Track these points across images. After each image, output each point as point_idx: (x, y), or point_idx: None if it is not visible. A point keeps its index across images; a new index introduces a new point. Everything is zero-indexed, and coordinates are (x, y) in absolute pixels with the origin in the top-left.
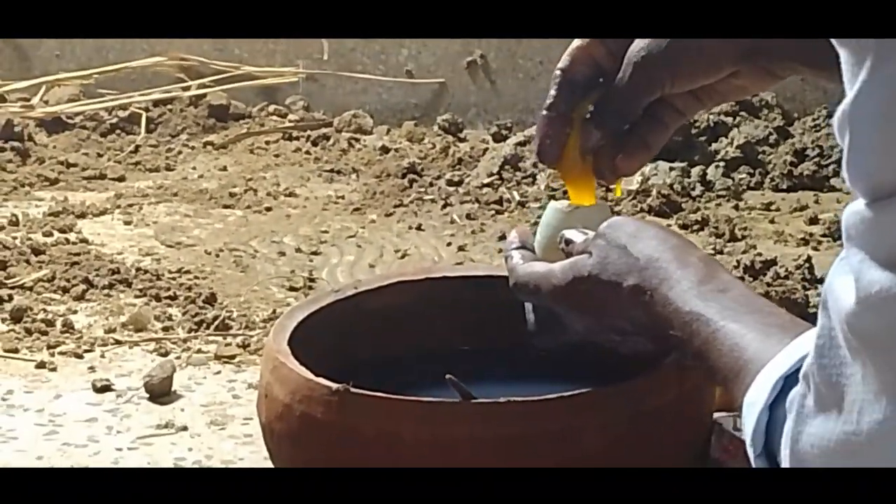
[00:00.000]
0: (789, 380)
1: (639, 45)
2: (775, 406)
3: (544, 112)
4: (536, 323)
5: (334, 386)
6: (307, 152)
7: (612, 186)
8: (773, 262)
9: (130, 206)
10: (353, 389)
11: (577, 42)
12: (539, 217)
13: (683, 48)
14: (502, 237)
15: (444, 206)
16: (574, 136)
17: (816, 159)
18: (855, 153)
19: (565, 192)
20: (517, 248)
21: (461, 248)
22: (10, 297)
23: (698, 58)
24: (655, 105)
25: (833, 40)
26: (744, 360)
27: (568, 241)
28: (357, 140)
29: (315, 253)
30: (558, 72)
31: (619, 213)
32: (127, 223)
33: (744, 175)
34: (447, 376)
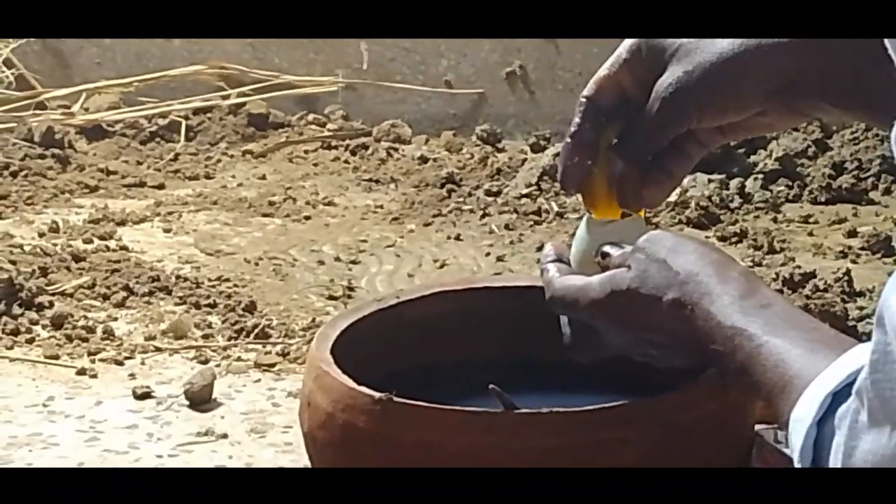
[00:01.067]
0: (838, 396)
1: (668, 79)
2: (823, 422)
3: (568, 139)
4: (573, 336)
5: (377, 395)
6: (346, 161)
7: (634, 216)
8: (812, 274)
9: (170, 213)
10: (395, 399)
11: (603, 70)
12: (576, 230)
13: (713, 86)
14: (541, 247)
15: (483, 217)
16: (599, 164)
17: (855, 172)
18: None
19: None
20: (553, 262)
21: (500, 259)
22: (51, 304)
23: (727, 97)
24: (679, 138)
25: (890, 47)
26: (789, 376)
27: (604, 255)
28: (395, 150)
29: (354, 262)
30: (583, 99)
31: (656, 227)
32: (167, 231)
33: (782, 187)
34: (490, 386)
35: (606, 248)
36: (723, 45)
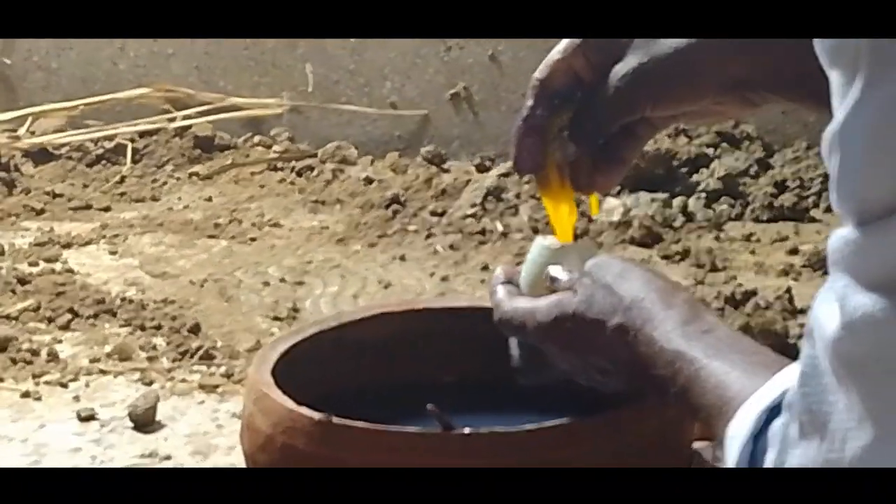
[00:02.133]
0: (772, 412)
1: (624, 68)
2: (758, 438)
3: (520, 122)
4: (521, 359)
5: (317, 416)
6: (292, 183)
7: (585, 198)
8: (754, 292)
9: (116, 236)
10: (335, 420)
11: (556, 52)
12: (527, 253)
13: (667, 76)
14: (485, 268)
15: (428, 237)
16: (551, 147)
17: (797, 191)
18: (843, 175)
19: (548, 226)
20: (503, 284)
21: (444, 279)
22: None
23: (681, 87)
24: (631, 122)
25: (823, 61)
26: (728, 397)
27: (553, 279)
28: (341, 171)
29: (299, 283)
30: (536, 81)
31: (601, 245)
32: (112, 253)
33: (724, 206)
34: (428, 407)
35: (555, 273)
36: (680, 41)
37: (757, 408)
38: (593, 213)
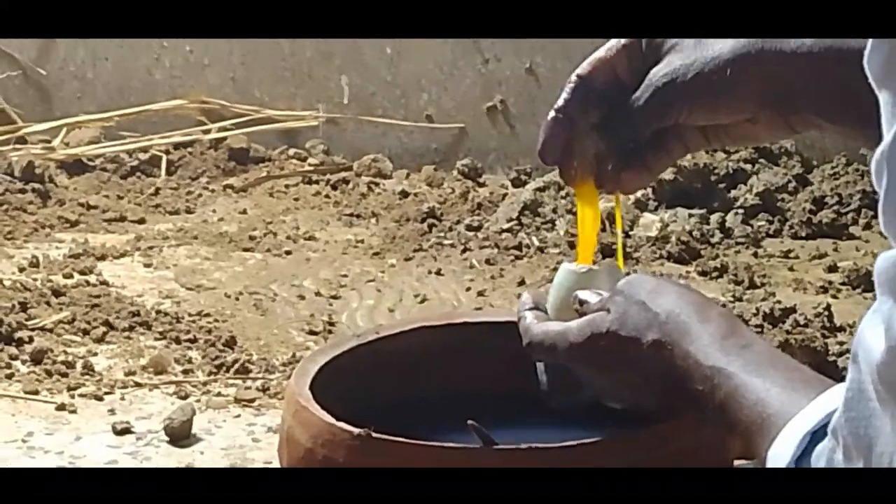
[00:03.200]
0: (816, 435)
1: (664, 69)
2: (800, 461)
3: (552, 113)
4: (549, 383)
5: (356, 430)
6: (327, 196)
7: (611, 197)
8: (793, 309)
9: (150, 248)
10: (374, 434)
11: (600, 52)
12: (553, 278)
13: (707, 83)
14: (522, 282)
15: (464, 251)
16: (580, 142)
17: (835, 207)
18: (891, 196)
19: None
20: (530, 309)
21: (480, 293)
22: (31, 339)
23: (721, 95)
24: (663, 132)
25: (873, 80)
26: (767, 414)
27: (582, 302)
28: (376, 184)
29: (335, 297)
30: (576, 77)
31: (637, 260)
32: (147, 265)
33: (763, 222)
34: (469, 422)
35: (583, 296)
36: (723, 45)
37: (800, 430)
38: (617, 227)
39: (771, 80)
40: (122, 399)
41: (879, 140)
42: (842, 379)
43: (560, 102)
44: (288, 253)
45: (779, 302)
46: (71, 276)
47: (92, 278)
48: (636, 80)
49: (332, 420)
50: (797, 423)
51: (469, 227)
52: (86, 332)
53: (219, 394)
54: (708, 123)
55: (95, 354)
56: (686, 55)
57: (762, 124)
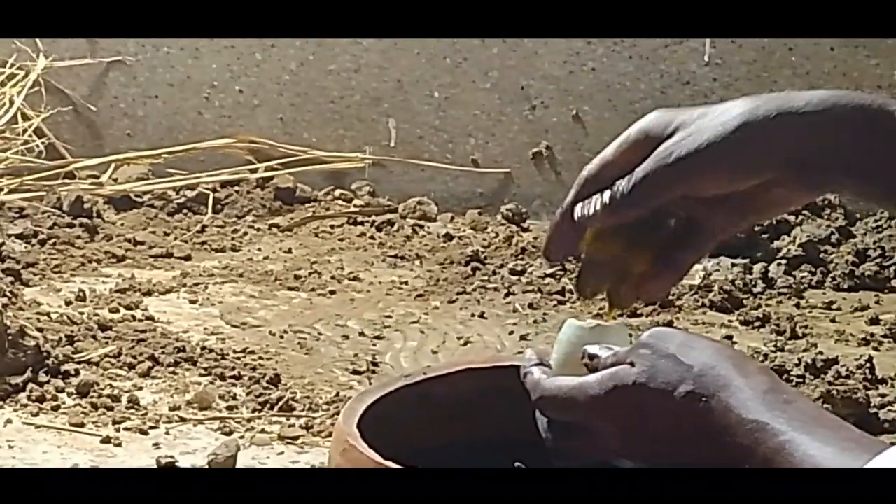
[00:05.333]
0: None
1: (668, 142)
2: None
3: (560, 211)
4: (556, 441)
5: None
6: (372, 237)
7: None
8: (835, 361)
9: (196, 285)
10: None
11: (609, 150)
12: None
13: (716, 147)
14: None
15: (507, 295)
16: (588, 244)
17: (878, 260)
18: None
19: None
20: (536, 365)
21: (523, 338)
22: (77, 372)
23: (730, 158)
24: (686, 227)
25: None
26: None
27: (592, 357)
28: (421, 227)
29: (378, 337)
30: (584, 176)
31: (679, 308)
32: (192, 302)
33: (805, 273)
34: (515, 464)
35: (594, 350)
36: (731, 114)
37: None
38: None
39: (785, 140)
40: (167, 434)
41: None
42: (881, 433)
43: (567, 200)
44: (332, 293)
45: (821, 353)
46: (117, 311)
47: (138, 313)
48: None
49: (379, 459)
50: None
51: (513, 272)
52: (131, 367)
53: (263, 431)
54: (721, 190)
55: (141, 389)
56: (693, 127)
57: (786, 189)
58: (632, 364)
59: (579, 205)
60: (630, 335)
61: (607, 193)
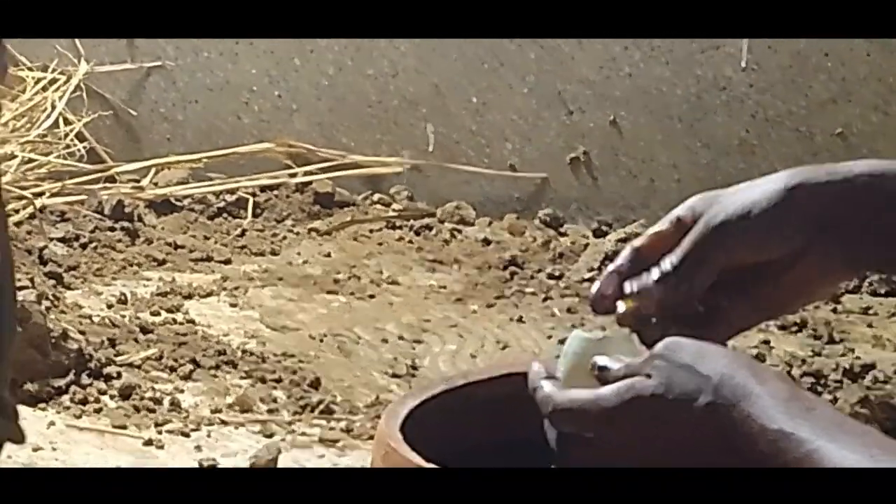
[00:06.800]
0: None
1: (712, 213)
2: None
3: (610, 269)
4: (565, 454)
5: None
6: (410, 241)
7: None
8: (872, 366)
9: (236, 288)
10: None
11: (658, 226)
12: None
13: (750, 217)
14: (602, 330)
15: (545, 300)
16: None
17: None
18: None
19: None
20: (545, 378)
21: (561, 342)
22: (119, 374)
23: (768, 221)
24: (706, 317)
25: None
26: None
27: (602, 368)
28: (459, 231)
29: (417, 341)
30: (633, 248)
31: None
32: (233, 305)
33: None
34: (552, 466)
35: (603, 361)
36: (771, 181)
37: None
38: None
39: (820, 205)
40: (209, 436)
41: None
42: None
43: (616, 262)
44: (371, 297)
45: (858, 358)
46: (158, 314)
47: (179, 316)
48: None
49: (421, 462)
50: None
51: (550, 276)
52: (173, 370)
53: (303, 433)
54: (758, 259)
55: (182, 391)
56: (729, 202)
57: (817, 260)
58: (648, 376)
59: (631, 281)
60: (635, 346)
61: (655, 271)
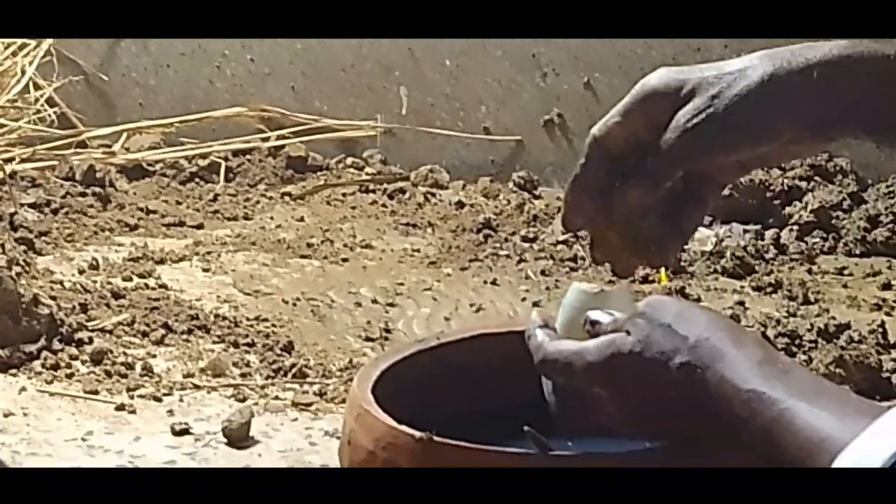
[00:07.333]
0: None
1: (690, 111)
2: None
3: (572, 181)
4: (557, 405)
5: (417, 434)
6: (384, 205)
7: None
8: (847, 326)
9: (209, 253)
10: (435, 438)
11: (616, 114)
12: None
13: (740, 117)
14: None
15: (519, 262)
16: (607, 212)
17: (890, 225)
18: None
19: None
20: (540, 328)
21: (536, 304)
22: (91, 340)
23: (753, 129)
24: (694, 181)
25: None
26: (819, 439)
27: (594, 322)
28: (433, 195)
29: (391, 305)
30: (592, 139)
31: (691, 275)
32: (205, 270)
33: (817, 239)
34: (525, 428)
35: (595, 316)
36: (750, 79)
37: (864, 461)
38: (662, 282)
39: (805, 101)
40: (181, 401)
41: None
42: (893, 397)
43: (578, 169)
44: (345, 261)
45: (833, 318)
46: (130, 280)
47: (151, 282)
48: (657, 136)
49: (393, 424)
50: (855, 451)
51: (525, 239)
52: (145, 335)
53: (276, 397)
54: (747, 155)
55: (154, 356)
56: (712, 94)
57: (801, 145)
58: (628, 333)
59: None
60: (633, 301)
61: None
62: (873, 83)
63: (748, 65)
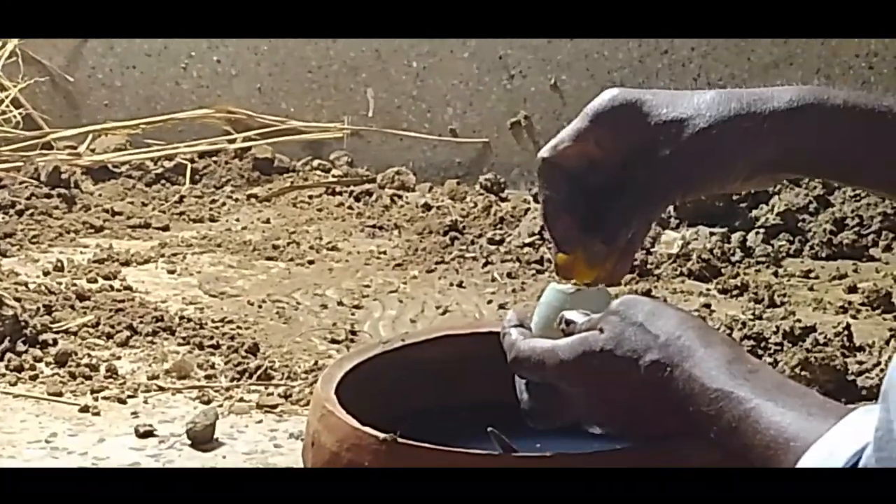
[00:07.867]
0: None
1: (649, 166)
2: None
3: (545, 205)
4: (530, 402)
5: (381, 435)
6: (350, 207)
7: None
8: (813, 328)
9: (174, 255)
10: (399, 439)
11: (566, 138)
12: (540, 295)
13: (697, 166)
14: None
15: (486, 265)
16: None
17: (856, 228)
18: None
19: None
20: (515, 326)
21: (502, 306)
22: (56, 342)
23: (712, 174)
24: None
25: None
26: (784, 439)
27: (569, 322)
28: (400, 197)
29: (357, 307)
30: (541, 162)
31: (658, 277)
32: (171, 272)
33: (783, 242)
34: (489, 429)
35: (570, 316)
36: (710, 120)
37: (827, 461)
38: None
39: (757, 148)
40: (146, 402)
41: None
42: (858, 399)
43: (544, 194)
44: (311, 262)
45: (799, 321)
46: (95, 281)
47: (116, 283)
48: (609, 154)
49: (357, 425)
50: (820, 451)
51: (491, 241)
52: (109, 336)
53: (241, 399)
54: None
55: (119, 358)
56: (668, 145)
57: (753, 182)
58: (601, 331)
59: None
60: (610, 301)
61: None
62: (822, 133)
63: (702, 103)
